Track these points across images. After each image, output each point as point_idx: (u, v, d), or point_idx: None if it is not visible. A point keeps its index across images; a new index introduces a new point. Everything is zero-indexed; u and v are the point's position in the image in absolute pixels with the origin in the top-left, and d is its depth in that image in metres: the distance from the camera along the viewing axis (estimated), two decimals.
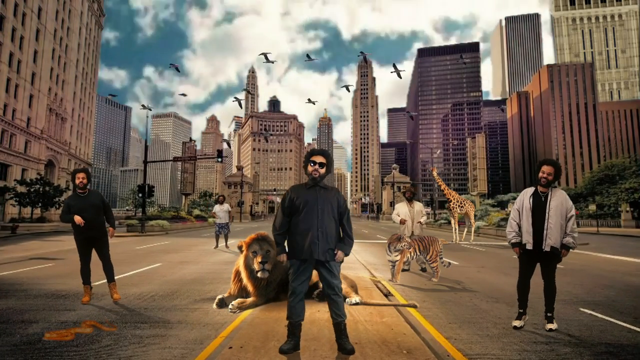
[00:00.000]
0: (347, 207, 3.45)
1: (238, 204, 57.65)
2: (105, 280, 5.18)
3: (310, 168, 3.36)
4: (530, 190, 4.19)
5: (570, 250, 3.99)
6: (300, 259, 3.21)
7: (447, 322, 4.24)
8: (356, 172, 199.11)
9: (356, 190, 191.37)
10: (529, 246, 4.00)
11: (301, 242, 3.19)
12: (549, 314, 4.00)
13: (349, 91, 38.65)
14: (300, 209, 3.25)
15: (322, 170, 3.35)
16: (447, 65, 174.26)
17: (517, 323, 4.04)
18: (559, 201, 3.99)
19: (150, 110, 32.79)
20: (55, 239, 17.88)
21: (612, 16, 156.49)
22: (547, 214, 3.97)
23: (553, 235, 3.91)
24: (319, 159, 3.37)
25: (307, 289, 3.25)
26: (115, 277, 5.31)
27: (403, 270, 7.79)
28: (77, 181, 5.02)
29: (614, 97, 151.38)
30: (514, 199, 40.20)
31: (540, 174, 4.03)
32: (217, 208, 12.60)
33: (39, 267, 8.34)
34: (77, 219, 4.81)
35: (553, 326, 3.96)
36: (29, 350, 3.23)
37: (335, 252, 3.26)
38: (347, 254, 3.35)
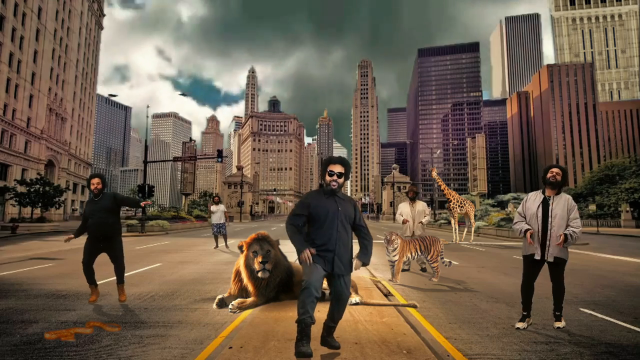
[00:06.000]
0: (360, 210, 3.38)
1: (238, 204, 57.64)
2: (107, 280, 5.17)
3: (328, 178, 3.20)
4: (537, 196, 4.11)
5: (569, 242, 3.80)
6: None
7: (447, 322, 4.24)
8: (356, 172, 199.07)
9: (356, 190, 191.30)
10: (537, 257, 3.95)
11: (321, 253, 3.05)
12: (557, 313, 4.02)
13: None
14: (320, 219, 3.10)
15: (341, 181, 3.20)
16: (447, 65, 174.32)
17: (520, 325, 4.02)
18: (562, 206, 3.92)
19: (186, 96, 33.19)
20: (55, 239, 17.87)
21: (612, 16, 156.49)
22: (549, 224, 3.92)
23: (555, 244, 3.88)
24: (338, 168, 3.21)
25: (320, 285, 3.00)
26: None
27: (403, 270, 7.80)
28: (91, 187, 5.00)
29: (614, 97, 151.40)
30: (514, 199, 40.30)
31: (549, 174, 4.01)
32: (213, 208, 12.61)
33: (39, 267, 8.34)
34: (64, 238, 4.90)
35: (561, 324, 3.98)
36: (29, 350, 3.23)
37: (353, 259, 3.17)
38: (366, 264, 3.21)
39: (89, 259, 4.95)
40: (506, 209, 28.97)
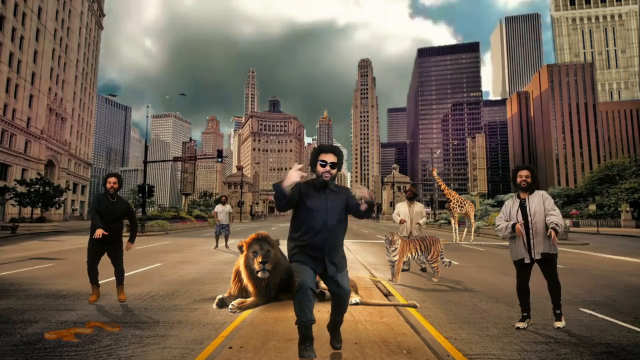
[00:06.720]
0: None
1: (238, 204, 57.63)
2: (107, 281, 5.18)
3: (320, 169, 2.91)
4: (514, 201, 4.20)
5: (557, 230, 3.79)
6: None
7: (447, 322, 4.24)
8: (356, 172, 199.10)
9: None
10: (527, 260, 3.97)
11: (309, 252, 2.88)
12: (557, 311, 4.01)
13: None
14: (306, 212, 2.88)
15: (334, 172, 2.93)
16: (447, 65, 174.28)
17: (520, 325, 4.03)
18: (537, 202, 4.02)
19: (185, 95, 33.15)
20: (55, 239, 17.88)
21: (612, 16, 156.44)
22: (530, 222, 4.00)
23: (540, 241, 3.93)
24: (330, 157, 2.92)
25: (314, 284, 2.84)
26: None
27: (403, 270, 7.79)
28: (108, 186, 4.94)
29: (614, 97, 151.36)
30: None
31: (519, 179, 4.13)
32: (219, 208, 12.57)
33: (39, 267, 8.34)
34: (98, 232, 4.64)
35: (561, 324, 3.97)
36: (29, 350, 3.23)
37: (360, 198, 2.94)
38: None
39: (93, 260, 4.95)
40: None
